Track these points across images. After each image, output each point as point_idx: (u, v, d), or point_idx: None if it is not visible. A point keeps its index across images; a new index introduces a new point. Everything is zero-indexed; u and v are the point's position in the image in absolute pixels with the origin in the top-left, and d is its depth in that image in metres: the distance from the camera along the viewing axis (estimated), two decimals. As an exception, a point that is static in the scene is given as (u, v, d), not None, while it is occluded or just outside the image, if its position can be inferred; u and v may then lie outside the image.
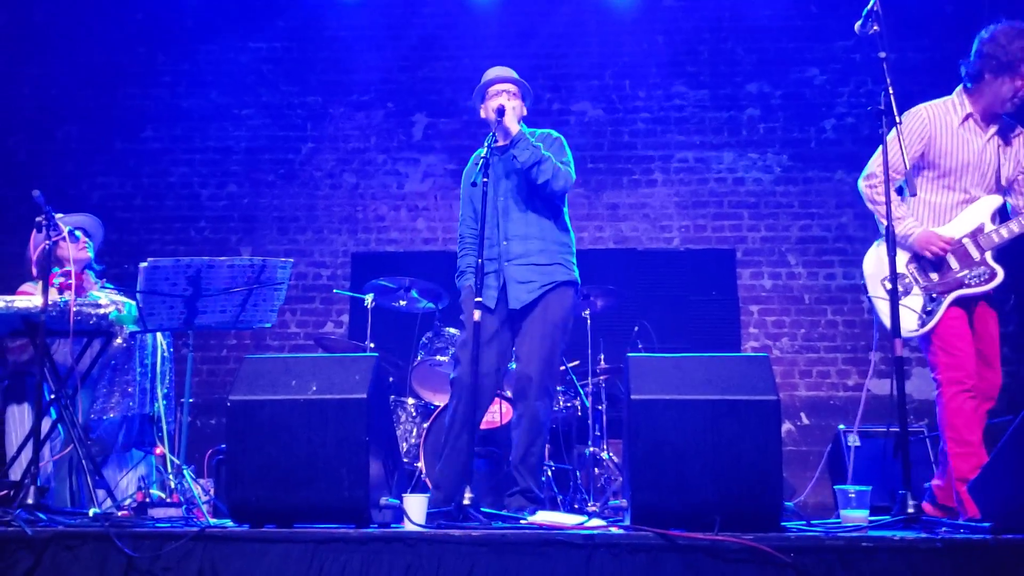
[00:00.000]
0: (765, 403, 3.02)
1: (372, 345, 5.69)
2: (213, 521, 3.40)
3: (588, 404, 5.56)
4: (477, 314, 3.72)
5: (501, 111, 4.10)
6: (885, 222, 3.50)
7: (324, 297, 7.58)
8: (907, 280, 3.86)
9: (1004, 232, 3.78)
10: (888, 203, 3.49)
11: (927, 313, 3.78)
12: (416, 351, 5.73)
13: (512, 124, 4.12)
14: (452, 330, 5.69)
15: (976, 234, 3.82)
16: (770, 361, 3.19)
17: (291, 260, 4.13)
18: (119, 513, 3.56)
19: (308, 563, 2.85)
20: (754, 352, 7.08)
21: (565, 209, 4.33)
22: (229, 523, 3.20)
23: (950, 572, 2.67)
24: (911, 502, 3.15)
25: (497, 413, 4.96)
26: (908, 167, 3.61)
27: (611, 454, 5.57)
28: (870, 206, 3.99)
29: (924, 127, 3.88)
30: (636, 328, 6.07)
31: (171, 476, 4.03)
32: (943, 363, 3.75)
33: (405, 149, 7.78)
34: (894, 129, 3.48)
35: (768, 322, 7.29)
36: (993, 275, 3.76)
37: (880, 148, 3.66)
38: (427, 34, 7.85)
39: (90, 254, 4.62)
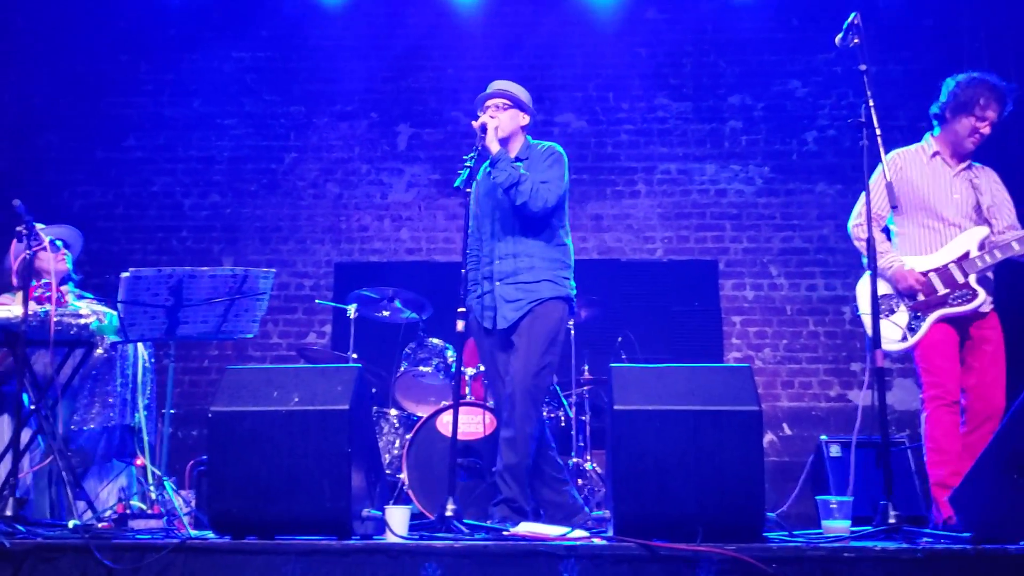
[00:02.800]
0: (747, 413, 3.03)
1: (355, 356, 5.67)
2: (194, 533, 3.39)
3: (571, 414, 5.57)
4: (460, 324, 3.75)
5: (483, 129, 4.11)
6: (868, 258, 3.77)
7: (307, 307, 7.56)
8: (894, 300, 4.18)
9: (987, 258, 4.06)
10: (871, 241, 3.61)
11: (911, 330, 4.10)
12: (399, 362, 5.72)
13: (491, 144, 4.10)
14: (435, 340, 5.69)
15: (961, 260, 4.09)
16: (752, 371, 3.20)
17: (273, 270, 4.12)
18: (99, 525, 3.53)
19: (290, 575, 2.84)
20: (736, 363, 7.10)
21: (562, 223, 4.32)
22: (210, 535, 3.18)
23: (931, 582, 2.68)
24: (892, 512, 3.17)
25: (480, 424, 4.95)
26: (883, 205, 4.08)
27: (594, 465, 5.58)
28: (856, 244, 4.28)
29: (893, 165, 4.19)
30: (619, 339, 6.09)
31: (152, 487, 4.00)
32: (925, 380, 4.07)
33: (389, 159, 7.78)
34: (877, 170, 3.92)
35: (750, 333, 7.32)
36: (974, 296, 4.04)
37: (863, 193, 3.93)
38: (411, 44, 7.85)
39: (68, 266, 4.59)
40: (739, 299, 7.37)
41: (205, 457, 4.28)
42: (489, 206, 4.31)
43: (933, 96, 4.27)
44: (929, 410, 4.02)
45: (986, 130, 4.16)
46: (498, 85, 4.36)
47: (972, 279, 4.06)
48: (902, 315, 4.13)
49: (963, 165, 4.24)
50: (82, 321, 3.80)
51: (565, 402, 5.62)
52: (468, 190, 3.89)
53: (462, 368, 4.61)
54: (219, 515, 3.14)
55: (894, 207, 3.92)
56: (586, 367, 5.90)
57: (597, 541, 3.01)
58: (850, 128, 3.72)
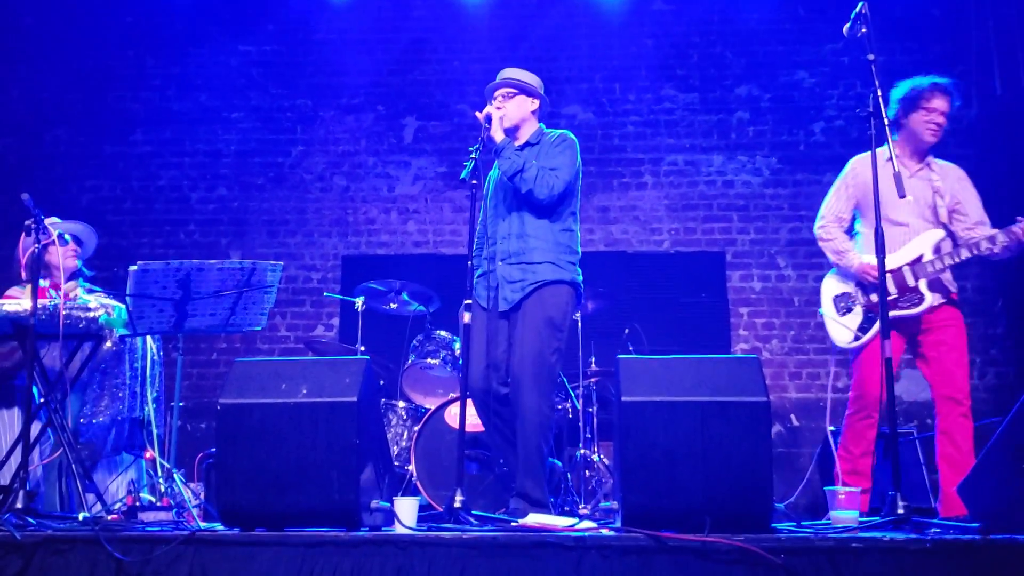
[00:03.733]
0: (755, 404, 3.03)
1: (363, 348, 5.68)
2: (203, 525, 3.40)
3: (579, 406, 5.57)
4: (467, 316, 3.74)
5: (488, 119, 4.09)
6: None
7: (314, 300, 7.57)
8: (851, 298, 4.37)
9: (938, 264, 4.17)
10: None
11: (861, 330, 4.29)
12: (407, 354, 5.73)
13: (496, 134, 4.08)
14: (443, 333, 5.69)
15: (914, 263, 4.20)
16: (760, 362, 3.20)
17: (281, 263, 4.12)
18: (109, 517, 3.55)
19: (299, 567, 2.85)
20: (744, 354, 7.09)
21: (571, 208, 4.26)
22: (219, 527, 3.19)
23: (939, 573, 2.68)
24: (901, 503, 3.17)
25: (488, 416, 4.95)
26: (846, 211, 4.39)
27: (602, 456, 5.58)
28: (820, 244, 4.48)
29: (852, 170, 4.44)
30: (626, 330, 6.08)
31: (161, 480, 4.02)
32: (851, 392, 4.37)
33: (395, 152, 7.77)
34: (839, 175, 4.41)
35: (758, 324, 7.31)
36: (921, 300, 4.19)
37: (827, 195, 4.47)
38: (417, 37, 7.85)
39: (77, 261, 4.60)
40: (746, 290, 7.36)
41: (214, 449, 4.30)
42: (500, 191, 4.28)
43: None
44: (847, 422, 4.34)
45: (939, 119, 4.25)
46: (505, 73, 4.33)
47: (922, 284, 4.18)
48: (855, 316, 4.31)
49: (920, 166, 4.33)
50: (91, 315, 3.81)
51: (572, 394, 5.62)
52: (474, 181, 3.88)
53: (469, 360, 4.61)
54: (228, 507, 3.15)
55: (902, 196, 3.92)
56: (593, 359, 5.90)
57: (605, 532, 3.02)
58: (858, 118, 3.71)
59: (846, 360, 7.10)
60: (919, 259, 4.20)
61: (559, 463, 4.79)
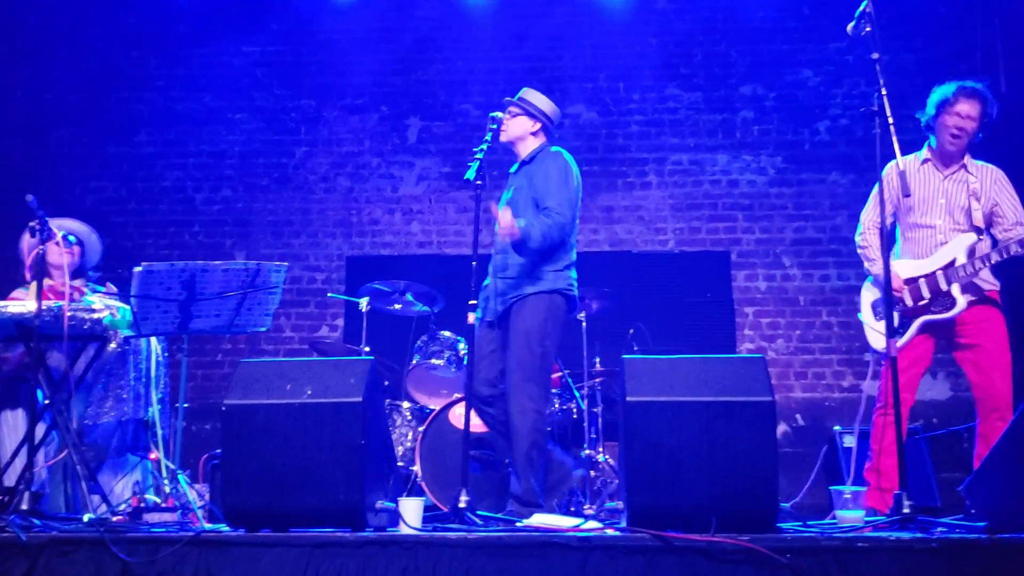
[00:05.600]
0: (761, 404, 3.02)
1: (367, 349, 5.68)
2: (208, 526, 3.40)
3: (584, 407, 5.56)
4: (471, 317, 3.80)
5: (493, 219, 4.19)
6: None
7: (319, 301, 7.57)
8: (876, 300, 4.40)
9: (970, 268, 4.16)
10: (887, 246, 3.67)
11: (898, 333, 4.21)
12: (411, 354, 5.73)
13: (504, 240, 4.18)
14: (447, 333, 5.69)
15: (947, 268, 4.20)
16: (766, 362, 3.19)
17: (286, 264, 4.12)
18: (114, 518, 3.55)
19: (304, 567, 2.85)
20: (749, 354, 7.08)
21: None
22: (224, 528, 3.19)
23: (946, 572, 2.68)
24: (907, 502, 3.15)
25: (493, 416, 4.95)
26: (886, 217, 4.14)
27: (607, 456, 5.57)
28: (858, 252, 4.52)
29: (886, 176, 4.24)
30: (631, 331, 6.07)
31: (166, 481, 4.02)
32: (880, 390, 4.27)
33: (399, 152, 7.77)
34: (875, 186, 4.14)
35: (763, 324, 7.30)
36: (953, 304, 4.17)
37: (867, 201, 4.48)
38: (421, 37, 7.84)
39: (65, 260, 4.55)
40: (751, 290, 7.34)
41: (219, 451, 4.29)
42: (505, 201, 4.40)
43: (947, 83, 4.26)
44: (875, 417, 4.27)
45: (963, 124, 4.21)
46: (520, 93, 4.49)
47: (955, 288, 4.17)
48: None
49: (954, 169, 4.31)
50: (95, 316, 3.80)
51: (577, 394, 5.61)
52: (479, 182, 3.92)
53: (474, 361, 4.62)
54: (233, 508, 3.15)
55: (907, 195, 3.92)
56: (598, 359, 5.89)
57: (611, 532, 3.01)
58: (863, 117, 3.71)
59: (851, 360, 7.14)
60: (952, 263, 4.20)
61: (569, 461, 4.79)
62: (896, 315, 4.25)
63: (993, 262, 4.14)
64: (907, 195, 3.96)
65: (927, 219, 4.27)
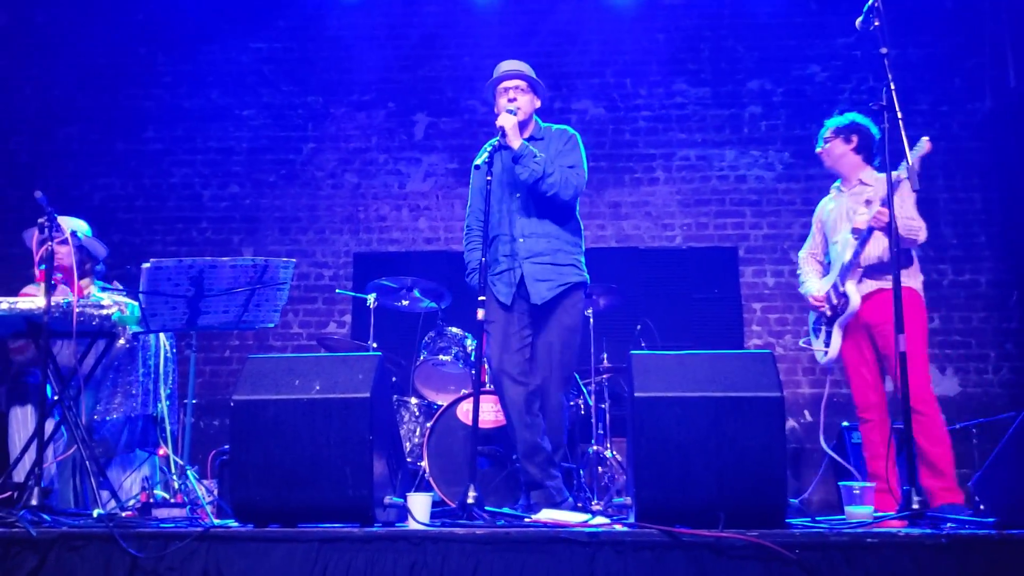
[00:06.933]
0: (769, 400, 3.02)
1: (375, 345, 5.68)
2: (217, 521, 3.41)
3: (592, 403, 5.56)
4: (480, 313, 3.76)
5: (503, 131, 4.12)
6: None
7: (326, 297, 7.58)
8: (819, 321, 4.61)
9: (855, 264, 4.34)
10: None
11: (825, 345, 4.50)
12: (419, 351, 5.73)
13: (514, 142, 4.13)
14: (454, 329, 5.69)
15: (841, 272, 4.41)
16: (774, 357, 3.19)
17: (293, 260, 4.13)
18: (123, 514, 3.56)
19: (312, 562, 2.85)
20: (757, 350, 7.07)
21: (576, 208, 4.38)
22: (233, 523, 3.20)
23: (955, 568, 2.67)
24: (915, 498, 3.15)
25: (501, 412, 4.95)
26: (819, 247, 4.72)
27: (615, 452, 5.57)
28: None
29: (817, 210, 4.77)
30: (639, 326, 6.07)
31: (175, 477, 4.03)
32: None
33: (407, 149, 7.78)
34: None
35: (771, 319, 7.29)
36: (848, 300, 4.35)
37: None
38: (428, 33, 7.85)
39: (73, 259, 4.54)
40: (759, 286, 7.33)
41: (227, 446, 4.31)
42: (510, 186, 4.31)
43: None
44: (860, 427, 4.51)
45: (821, 153, 4.67)
46: (514, 66, 4.37)
47: (849, 285, 4.34)
48: (824, 335, 4.56)
49: (853, 185, 4.53)
50: (104, 312, 3.81)
51: (585, 390, 5.61)
52: (488, 177, 3.89)
53: (482, 356, 4.61)
54: (242, 503, 3.16)
55: (916, 191, 3.90)
56: (605, 355, 5.89)
57: (619, 528, 3.01)
58: (871, 113, 3.69)
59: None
60: (840, 266, 4.41)
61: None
62: (824, 329, 4.57)
63: (853, 248, 4.28)
64: (916, 191, 3.90)
65: (836, 236, 4.49)
